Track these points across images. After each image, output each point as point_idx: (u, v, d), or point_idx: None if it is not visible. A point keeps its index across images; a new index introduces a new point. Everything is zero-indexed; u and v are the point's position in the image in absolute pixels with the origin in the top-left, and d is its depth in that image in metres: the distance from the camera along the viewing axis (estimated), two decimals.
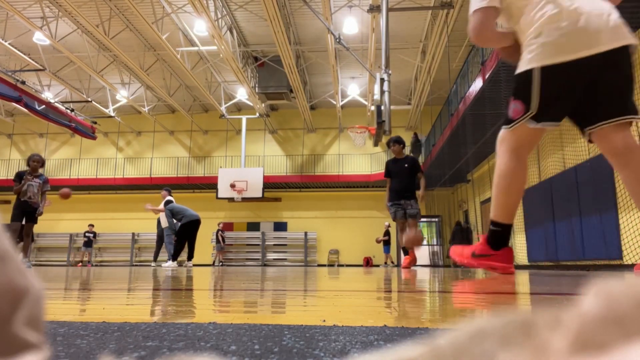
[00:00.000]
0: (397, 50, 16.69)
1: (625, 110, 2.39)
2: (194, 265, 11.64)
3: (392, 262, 18.64)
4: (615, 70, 2.43)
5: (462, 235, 19.28)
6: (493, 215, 2.71)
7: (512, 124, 2.61)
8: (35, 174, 8.29)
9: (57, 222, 22.50)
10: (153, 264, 11.69)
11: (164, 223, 11.70)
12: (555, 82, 2.41)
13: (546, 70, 2.38)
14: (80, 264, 18.79)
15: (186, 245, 10.93)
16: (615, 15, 2.52)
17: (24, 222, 8.27)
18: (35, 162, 8.23)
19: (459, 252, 2.98)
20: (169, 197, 11.36)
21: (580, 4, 2.43)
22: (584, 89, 2.45)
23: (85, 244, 18.59)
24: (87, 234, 18.62)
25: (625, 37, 2.45)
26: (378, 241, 18.82)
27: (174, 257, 10.70)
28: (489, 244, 2.76)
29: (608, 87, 2.43)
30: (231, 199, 19.97)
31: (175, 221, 10.98)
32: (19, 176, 8.19)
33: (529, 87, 2.44)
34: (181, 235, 10.78)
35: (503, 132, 2.74)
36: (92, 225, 19.10)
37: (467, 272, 5.15)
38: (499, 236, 2.73)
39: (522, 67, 2.48)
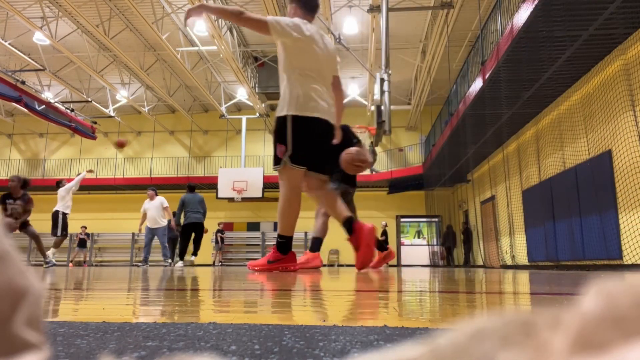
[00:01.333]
0: (397, 50, 16.68)
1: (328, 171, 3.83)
2: (194, 265, 11.65)
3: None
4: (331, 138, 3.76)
5: (453, 237, 19.37)
6: (280, 231, 3.76)
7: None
8: (16, 195, 8.04)
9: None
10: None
11: (155, 223, 11.75)
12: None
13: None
14: (71, 264, 18.75)
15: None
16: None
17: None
18: (13, 182, 7.97)
19: (255, 263, 3.84)
20: (156, 197, 11.93)
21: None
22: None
23: (79, 245, 18.58)
24: (80, 236, 18.60)
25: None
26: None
27: (180, 255, 10.94)
28: (279, 251, 3.76)
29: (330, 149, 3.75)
30: (231, 199, 19.99)
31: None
32: (1, 199, 8.00)
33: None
34: (182, 235, 11.06)
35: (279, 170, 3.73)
36: (85, 227, 19.07)
37: (467, 272, 5.16)
38: (285, 245, 3.79)
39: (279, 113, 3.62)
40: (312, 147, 3.64)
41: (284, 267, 3.75)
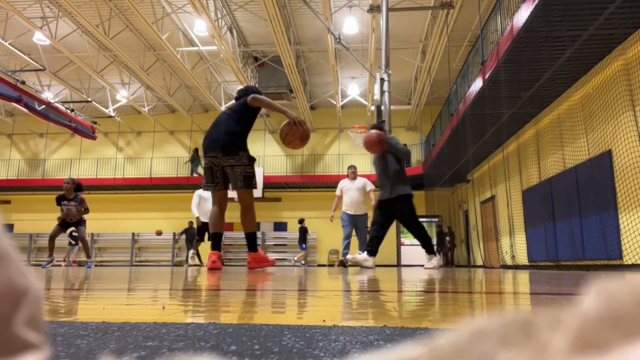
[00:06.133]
0: (397, 50, 16.69)
1: None
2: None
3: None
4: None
5: (442, 238, 19.53)
6: None
7: None
8: (70, 197, 8.74)
9: (56, 222, 22.46)
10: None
11: (358, 209, 8.95)
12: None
13: None
14: (64, 263, 18.68)
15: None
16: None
17: (67, 230, 9.08)
18: (67, 185, 8.69)
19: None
20: None
21: None
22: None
23: (70, 244, 18.47)
24: (73, 234, 18.51)
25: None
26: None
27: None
28: None
29: None
30: (231, 199, 19.95)
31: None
32: (57, 201, 8.80)
33: None
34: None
35: None
36: None
37: (467, 272, 5.15)
38: None
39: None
40: None
41: None
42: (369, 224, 8.50)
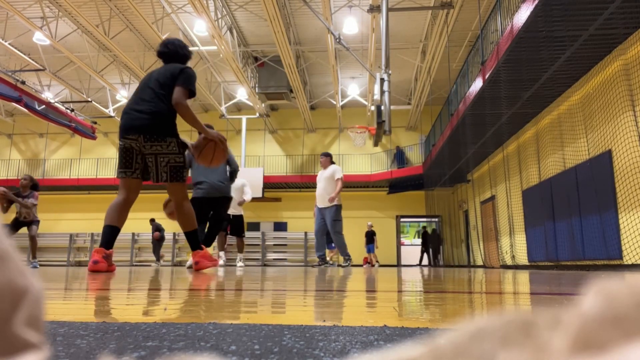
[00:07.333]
0: (397, 50, 16.68)
1: None
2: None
3: (377, 262, 18.81)
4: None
5: (428, 238, 19.61)
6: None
7: None
8: (25, 193, 8.55)
9: (57, 222, 22.49)
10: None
11: (323, 201, 8.07)
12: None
13: None
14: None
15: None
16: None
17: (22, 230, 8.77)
18: (24, 181, 8.52)
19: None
20: None
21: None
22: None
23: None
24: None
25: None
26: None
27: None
28: None
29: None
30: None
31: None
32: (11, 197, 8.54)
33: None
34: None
35: None
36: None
37: (466, 272, 5.16)
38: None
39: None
40: None
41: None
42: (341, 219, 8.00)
